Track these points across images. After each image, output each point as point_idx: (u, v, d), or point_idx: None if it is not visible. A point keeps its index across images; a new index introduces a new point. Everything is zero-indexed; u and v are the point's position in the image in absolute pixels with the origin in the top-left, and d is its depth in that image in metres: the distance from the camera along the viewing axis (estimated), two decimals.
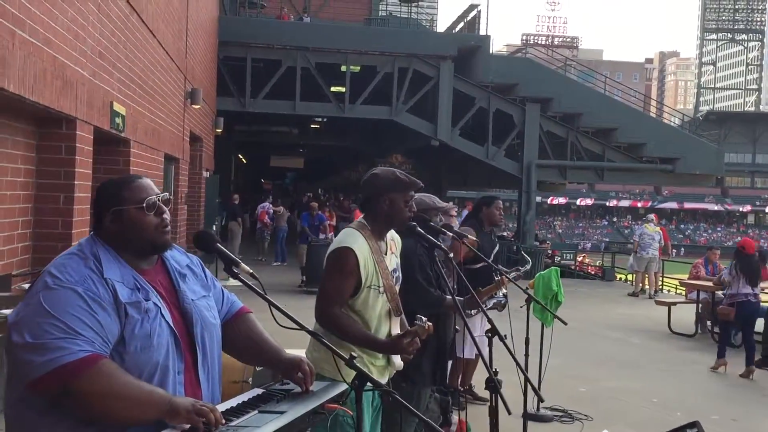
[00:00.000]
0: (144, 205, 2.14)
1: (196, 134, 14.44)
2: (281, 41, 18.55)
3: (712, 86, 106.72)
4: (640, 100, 21.96)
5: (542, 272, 5.81)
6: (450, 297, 4.27)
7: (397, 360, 3.27)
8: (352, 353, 2.15)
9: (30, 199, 5.76)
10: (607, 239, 71.60)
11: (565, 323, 4.70)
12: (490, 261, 5.66)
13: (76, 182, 5.93)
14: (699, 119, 70.92)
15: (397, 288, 3.36)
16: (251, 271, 2.20)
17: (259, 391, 2.41)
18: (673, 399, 6.77)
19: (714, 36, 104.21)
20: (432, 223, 3.35)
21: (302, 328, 2.22)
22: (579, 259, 26.37)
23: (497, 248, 6.07)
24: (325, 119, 27.04)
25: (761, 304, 8.11)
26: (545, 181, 21.63)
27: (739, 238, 14.58)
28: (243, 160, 36.73)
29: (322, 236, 14.66)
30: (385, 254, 3.28)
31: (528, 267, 6.16)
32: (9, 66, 4.32)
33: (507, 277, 4.77)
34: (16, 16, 4.47)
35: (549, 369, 7.80)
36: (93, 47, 6.35)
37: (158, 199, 2.20)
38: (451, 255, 3.41)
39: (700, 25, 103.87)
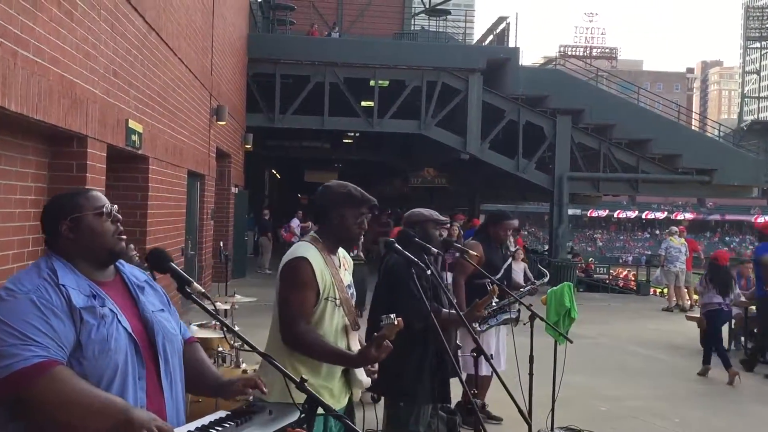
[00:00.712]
0: (102, 211, 2.21)
1: (224, 150, 14.56)
2: (309, 57, 18.66)
3: (757, 95, 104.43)
4: (678, 112, 21.48)
5: (554, 288, 5.65)
6: (447, 311, 4.19)
7: (363, 378, 3.17)
8: (303, 377, 2.07)
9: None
10: (649, 252, 70.33)
11: (571, 341, 4.53)
12: (493, 277, 5.55)
13: None
14: (743, 129, 69.37)
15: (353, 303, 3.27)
16: (203, 290, 2.19)
17: (222, 413, 2.38)
18: (697, 419, 6.52)
19: (758, 44, 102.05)
20: (417, 239, 3.25)
21: (254, 349, 2.17)
22: (615, 272, 25.96)
23: (509, 262, 5.94)
24: (357, 134, 27.13)
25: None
26: (579, 193, 21.35)
27: None
28: (277, 175, 37.01)
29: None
30: (338, 269, 3.19)
31: (545, 281, 6.02)
32: (10, 85, 4.36)
33: (509, 292, 4.64)
34: (19, 36, 4.52)
35: (571, 386, 7.62)
36: (106, 66, 6.41)
37: (113, 208, 2.28)
38: (429, 272, 3.31)
39: (743, 33, 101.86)
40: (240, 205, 16.79)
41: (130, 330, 2.17)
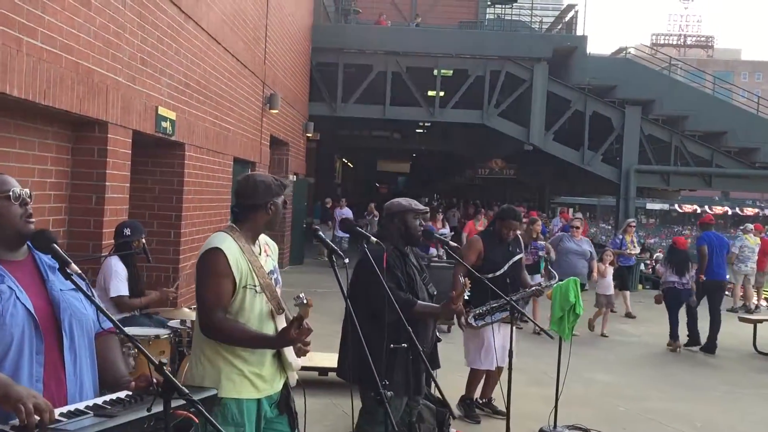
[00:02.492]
0: (9, 195, 2.34)
1: (280, 138, 14.78)
2: (372, 46, 18.69)
3: None
4: (758, 103, 20.31)
5: (560, 283, 5.48)
6: (423, 303, 4.13)
7: (295, 361, 3.17)
8: (162, 360, 2.08)
9: (64, 199, 6.06)
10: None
11: (552, 336, 4.38)
12: (495, 274, 5.42)
13: (107, 183, 6.18)
14: None
15: (279, 289, 3.25)
16: (80, 272, 2.25)
17: (123, 394, 2.44)
18: (721, 424, 6.21)
19: None
20: (359, 228, 3.21)
21: (122, 331, 2.22)
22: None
23: (517, 258, 5.78)
24: (428, 124, 27.07)
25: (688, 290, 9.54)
26: (655, 188, 20.61)
27: None
28: (349, 164, 37.32)
29: (432, 251, 13.68)
30: (259, 255, 3.19)
31: (553, 282, 5.84)
32: (12, 72, 4.55)
33: (501, 293, 4.52)
34: (24, 24, 4.71)
35: (594, 384, 7.42)
36: (132, 54, 6.61)
37: (21, 192, 2.39)
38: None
39: None
40: (299, 194, 17.02)
41: (29, 306, 2.29)
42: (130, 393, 2.44)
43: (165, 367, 2.08)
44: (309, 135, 18.24)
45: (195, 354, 3.24)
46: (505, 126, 18.85)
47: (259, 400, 3.13)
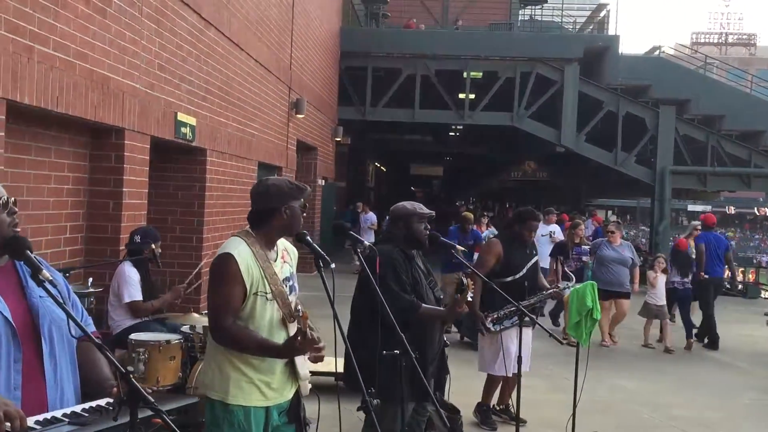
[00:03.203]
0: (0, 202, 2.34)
1: (308, 143, 14.81)
2: (401, 50, 18.66)
3: None
4: None
5: (577, 287, 5.35)
6: (428, 306, 4.05)
7: (304, 372, 3.13)
8: (129, 368, 2.05)
9: (81, 206, 6.12)
10: None
11: (562, 342, 4.26)
12: (514, 277, 5.31)
13: (124, 189, 6.23)
14: None
15: (293, 297, 3.22)
16: (51, 278, 2.22)
17: (104, 401, 2.42)
18: None
19: None
20: (351, 232, 3.15)
21: (90, 339, 2.19)
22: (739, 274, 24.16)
23: (534, 260, 5.67)
24: (461, 126, 26.95)
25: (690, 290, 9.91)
26: (692, 189, 20.18)
27: None
28: (382, 168, 37.32)
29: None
30: (275, 261, 3.15)
31: (570, 284, 5.72)
32: (23, 80, 4.60)
33: (490, 281, 4.41)
34: (36, 33, 4.76)
35: (620, 390, 7.24)
36: (150, 60, 6.66)
37: (9, 200, 2.38)
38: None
39: None
40: (328, 198, 17.05)
41: (6, 314, 2.29)
42: (111, 400, 2.41)
43: (133, 376, 2.04)
44: (338, 139, 18.26)
45: (206, 359, 3.27)
46: (536, 128, 18.64)
47: (267, 408, 3.11)
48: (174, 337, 5.02)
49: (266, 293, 3.04)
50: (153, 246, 5.56)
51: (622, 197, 33.61)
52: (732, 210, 75.20)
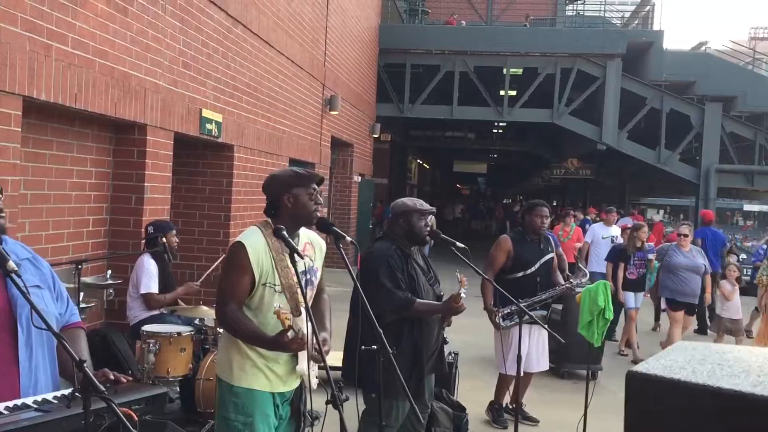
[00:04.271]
0: None
1: (343, 140, 14.88)
2: (440, 46, 18.59)
3: None
4: None
5: (590, 286, 5.26)
6: (423, 301, 4.04)
7: (300, 367, 3.16)
8: (82, 357, 2.09)
9: (105, 199, 6.28)
10: None
11: (563, 341, 4.19)
12: (526, 272, 5.26)
13: (146, 184, 6.36)
14: None
15: (310, 291, 3.26)
16: (16, 269, 2.28)
17: (67, 391, 2.49)
18: None
19: None
20: (335, 228, 3.16)
21: (50, 328, 2.24)
22: None
23: (549, 256, 5.61)
24: (504, 123, 26.77)
25: None
26: (743, 188, 19.64)
27: None
28: (425, 165, 37.23)
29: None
30: (303, 257, 3.18)
31: (584, 280, 5.64)
32: (40, 76, 4.74)
33: (486, 277, 4.37)
34: (53, 30, 4.90)
35: None
36: (173, 58, 6.78)
37: None
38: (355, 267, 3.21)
39: None
40: (365, 194, 17.11)
41: None
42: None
43: (86, 366, 2.08)
44: (375, 136, 18.29)
45: (220, 342, 3.41)
46: (577, 125, 18.38)
47: (273, 395, 3.16)
48: (185, 329, 5.12)
49: (275, 285, 3.10)
50: (164, 238, 5.66)
51: (667, 196, 32.82)
52: None
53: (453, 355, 5.72)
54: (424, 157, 35.77)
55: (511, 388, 5.81)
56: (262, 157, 9.57)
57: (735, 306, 8.88)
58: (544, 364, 5.75)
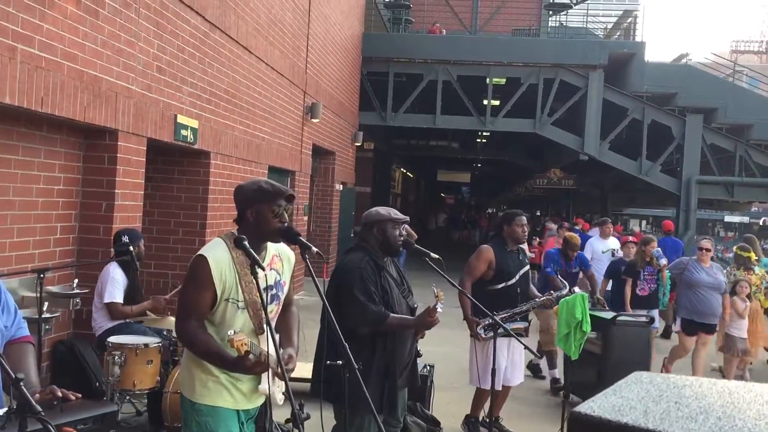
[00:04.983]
0: None
1: (325, 148, 14.77)
2: (423, 55, 18.55)
3: None
4: None
5: (567, 298, 5.18)
6: (397, 315, 3.93)
7: (262, 386, 3.03)
8: (18, 375, 1.97)
9: (74, 206, 6.12)
10: None
11: (539, 356, 4.10)
12: (507, 283, 5.18)
13: (117, 191, 6.22)
14: None
15: (276, 306, 3.15)
16: None
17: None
18: None
19: None
20: (301, 238, 3.05)
21: None
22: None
23: (527, 268, 5.52)
24: (488, 133, 26.81)
25: None
26: (724, 199, 19.69)
27: None
28: (409, 174, 37.19)
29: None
30: (263, 268, 3.06)
31: (563, 293, 5.57)
32: (4, 80, 4.60)
33: (466, 294, 4.28)
34: (19, 32, 4.76)
35: None
36: (147, 62, 6.65)
37: None
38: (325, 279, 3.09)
39: None
40: (346, 203, 16.99)
41: None
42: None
43: (22, 384, 1.96)
44: (358, 144, 18.21)
45: (182, 357, 3.26)
46: (559, 135, 18.39)
47: (237, 412, 3.04)
48: (153, 341, 4.98)
49: (238, 301, 2.97)
50: (136, 247, 5.53)
51: (650, 207, 32.99)
52: None
53: (428, 367, 5.61)
54: (408, 166, 35.74)
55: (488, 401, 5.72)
56: (240, 165, 9.44)
57: (746, 324, 8.26)
58: (520, 378, 5.66)
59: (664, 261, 8.05)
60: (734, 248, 9.71)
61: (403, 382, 4.06)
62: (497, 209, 44.47)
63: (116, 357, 4.71)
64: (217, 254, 2.97)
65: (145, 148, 6.75)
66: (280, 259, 3.21)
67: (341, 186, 16.63)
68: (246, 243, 2.84)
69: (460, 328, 5.48)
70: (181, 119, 7.40)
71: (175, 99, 7.33)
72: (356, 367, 2.83)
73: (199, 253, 3.00)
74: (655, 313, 8.19)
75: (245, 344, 2.75)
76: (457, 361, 8.07)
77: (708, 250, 7.99)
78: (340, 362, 2.96)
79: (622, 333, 6.48)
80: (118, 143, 6.21)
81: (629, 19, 19.95)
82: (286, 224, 3.05)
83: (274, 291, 3.14)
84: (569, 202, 31.41)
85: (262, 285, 3.07)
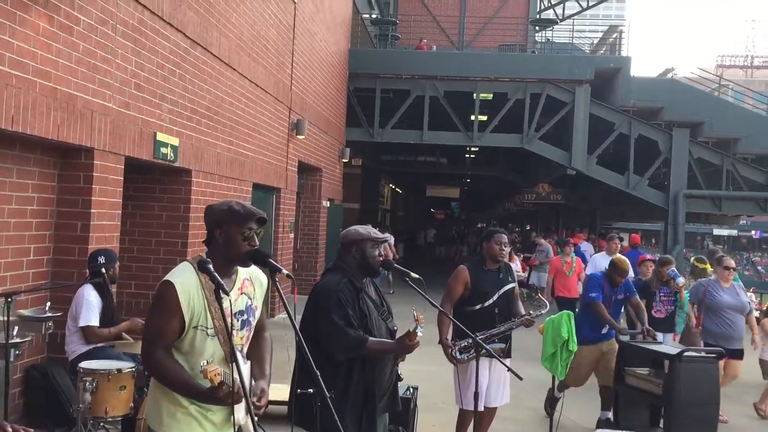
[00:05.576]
0: None
1: (311, 164, 14.67)
2: (410, 71, 18.53)
3: None
4: None
5: (553, 317, 5.07)
6: (376, 340, 3.81)
7: (238, 415, 2.89)
8: None
9: (49, 227, 5.98)
10: None
11: (520, 378, 3.98)
12: (483, 304, 5.07)
13: (93, 210, 6.07)
14: None
15: (246, 332, 3.02)
16: None
17: None
18: None
19: None
20: (271, 260, 2.93)
21: None
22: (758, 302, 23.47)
23: (509, 287, 5.41)
24: (476, 148, 26.82)
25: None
26: (712, 213, 19.70)
27: None
28: (398, 190, 37.14)
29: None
30: (229, 292, 2.94)
31: (543, 312, 5.45)
32: None
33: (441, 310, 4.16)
34: None
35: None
36: (125, 79, 6.53)
37: None
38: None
39: None
40: (334, 220, 16.87)
41: None
42: None
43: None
44: (345, 161, 18.12)
45: (149, 388, 3.11)
46: (546, 150, 18.37)
47: None
48: (126, 365, 4.82)
49: (207, 328, 2.84)
50: (112, 269, 5.38)
51: (638, 221, 33.02)
52: (757, 234, 73.88)
53: (411, 390, 5.47)
54: (397, 182, 35.69)
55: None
56: (223, 182, 9.32)
57: None
58: (505, 398, 5.53)
59: (682, 281, 7.63)
60: (692, 259, 9.40)
61: (384, 407, 3.92)
62: (487, 224, 44.43)
63: (87, 383, 4.56)
64: (185, 279, 2.84)
65: (122, 167, 6.62)
66: (251, 282, 3.08)
67: (328, 203, 16.51)
68: (211, 267, 2.71)
69: None
70: (161, 137, 7.28)
71: (154, 116, 7.21)
72: (328, 395, 2.69)
73: (165, 278, 2.87)
74: (669, 337, 7.84)
75: (219, 374, 2.62)
76: (445, 381, 7.92)
77: (732, 269, 7.55)
78: (311, 390, 2.81)
79: (689, 370, 5.77)
80: (95, 162, 6.07)
81: (614, 35, 20.01)
82: (255, 247, 2.93)
83: (245, 316, 3.01)
84: (558, 217, 31.39)
85: (234, 310, 2.95)
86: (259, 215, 2.94)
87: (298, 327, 3.92)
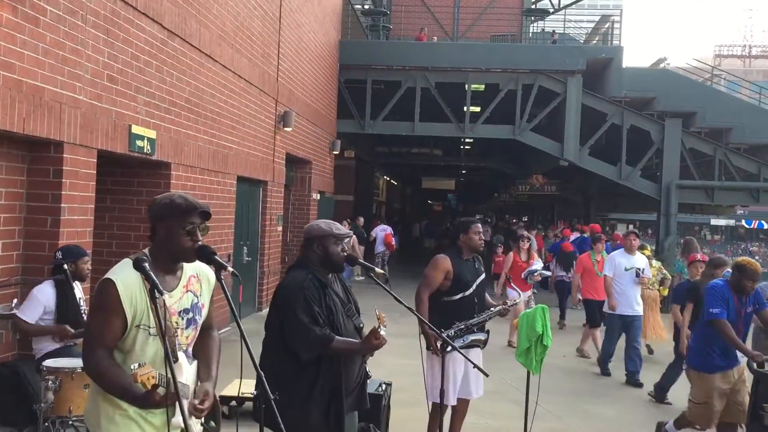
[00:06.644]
0: None
1: (300, 157, 14.56)
2: (401, 62, 18.40)
3: None
4: None
5: (527, 311, 4.98)
6: (342, 339, 3.72)
7: (176, 419, 2.80)
8: None
9: (18, 222, 5.87)
10: None
11: (486, 374, 3.89)
12: (465, 293, 4.99)
13: (63, 205, 5.97)
14: None
15: (193, 330, 2.92)
16: None
17: None
18: None
19: None
20: (216, 257, 2.83)
21: None
22: None
23: (482, 277, 5.33)
24: (470, 140, 26.67)
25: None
26: (705, 203, 19.60)
27: None
28: (393, 182, 37.01)
29: None
30: (173, 290, 2.85)
31: (517, 301, 5.39)
32: None
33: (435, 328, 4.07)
34: None
35: (594, 420, 6.82)
36: (96, 71, 6.42)
37: None
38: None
39: None
40: (324, 212, 16.77)
41: None
42: None
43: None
44: (336, 153, 18.00)
45: (89, 390, 3.04)
46: (539, 141, 18.26)
47: None
48: None
49: (149, 327, 2.75)
50: (72, 265, 5.25)
51: (633, 211, 32.95)
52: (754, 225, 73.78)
53: (383, 386, 5.38)
54: (393, 174, 35.55)
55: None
56: (205, 175, 9.22)
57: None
58: (479, 390, 5.44)
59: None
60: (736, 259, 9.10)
61: (351, 405, 3.83)
62: (484, 216, 44.31)
63: (50, 382, 4.47)
64: (126, 277, 2.73)
65: (95, 161, 6.51)
66: (198, 279, 2.98)
67: (318, 195, 16.41)
68: (146, 265, 2.61)
69: (420, 337, 5.26)
70: (136, 129, 7.17)
71: (129, 108, 7.10)
72: (272, 398, 2.60)
73: (106, 276, 2.76)
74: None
75: (153, 377, 2.52)
76: (419, 373, 7.86)
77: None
78: (255, 392, 2.72)
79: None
80: (64, 155, 5.96)
81: (607, 25, 19.86)
82: (198, 243, 2.82)
83: (191, 314, 2.91)
84: (553, 208, 31.30)
85: (179, 308, 2.86)
86: (201, 208, 2.83)
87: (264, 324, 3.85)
